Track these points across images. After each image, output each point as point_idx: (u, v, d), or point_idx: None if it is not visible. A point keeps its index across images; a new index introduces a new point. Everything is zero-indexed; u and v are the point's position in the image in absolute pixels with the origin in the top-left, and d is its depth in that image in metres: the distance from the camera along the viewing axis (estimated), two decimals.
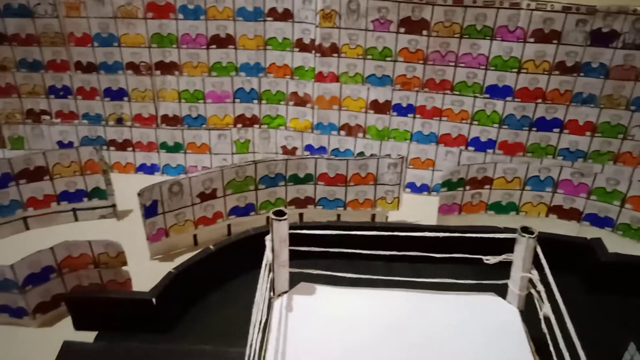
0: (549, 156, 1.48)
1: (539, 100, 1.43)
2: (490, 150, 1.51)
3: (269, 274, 0.99)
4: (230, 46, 1.50)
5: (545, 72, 1.40)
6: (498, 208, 1.43)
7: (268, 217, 1.41)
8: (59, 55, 1.50)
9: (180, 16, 1.46)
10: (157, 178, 1.64)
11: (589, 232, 1.38)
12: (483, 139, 1.51)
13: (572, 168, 1.39)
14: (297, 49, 1.51)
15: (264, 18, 1.47)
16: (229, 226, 1.40)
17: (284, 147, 1.65)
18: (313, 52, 1.49)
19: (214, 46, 1.50)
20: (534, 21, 1.35)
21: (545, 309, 0.91)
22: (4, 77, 1.53)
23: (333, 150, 1.62)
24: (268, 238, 0.99)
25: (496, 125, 1.48)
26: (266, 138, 1.64)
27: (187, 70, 1.53)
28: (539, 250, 0.97)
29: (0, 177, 1.33)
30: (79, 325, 1.12)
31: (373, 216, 1.44)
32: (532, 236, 0.95)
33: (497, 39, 1.39)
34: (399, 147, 1.57)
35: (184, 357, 1.07)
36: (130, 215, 1.48)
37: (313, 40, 1.48)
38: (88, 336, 1.11)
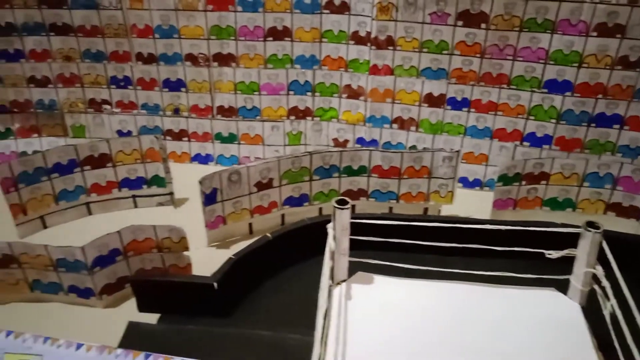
0: (607, 153, 1.45)
1: (600, 96, 1.40)
2: (547, 146, 1.49)
3: (331, 262, 1.00)
4: (286, 38, 1.52)
5: (607, 67, 1.37)
6: (554, 204, 1.41)
7: (320, 208, 1.44)
8: (121, 46, 1.55)
9: (239, 8, 1.48)
10: (211, 168, 1.69)
11: None
12: (539, 135, 1.49)
13: (633, 165, 1.36)
14: (353, 42, 1.52)
15: (320, 11, 1.49)
16: (282, 216, 1.43)
17: (335, 140, 1.66)
18: (368, 44, 1.50)
19: (271, 38, 1.52)
20: (597, 14, 1.32)
21: (610, 305, 0.90)
22: (68, 68, 1.59)
23: (385, 143, 1.62)
24: (330, 226, 1.00)
25: (553, 120, 1.46)
26: (318, 130, 1.66)
27: (243, 62, 1.56)
28: (605, 246, 0.96)
29: (66, 163, 1.39)
30: (142, 307, 1.16)
31: (425, 209, 1.44)
32: (598, 231, 0.94)
33: (558, 32, 1.37)
34: (452, 141, 1.56)
35: (244, 341, 1.10)
36: (185, 203, 1.52)
37: (369, 33, 1.49)
38: (151, 317, 1.15)
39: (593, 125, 1.44)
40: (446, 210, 1.44)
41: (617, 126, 1.42)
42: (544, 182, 1.39)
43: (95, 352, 1.01)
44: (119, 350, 1.01)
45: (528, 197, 1.41)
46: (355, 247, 1.05)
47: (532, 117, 1.48)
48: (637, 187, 1.36)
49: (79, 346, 1.02)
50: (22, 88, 1.61)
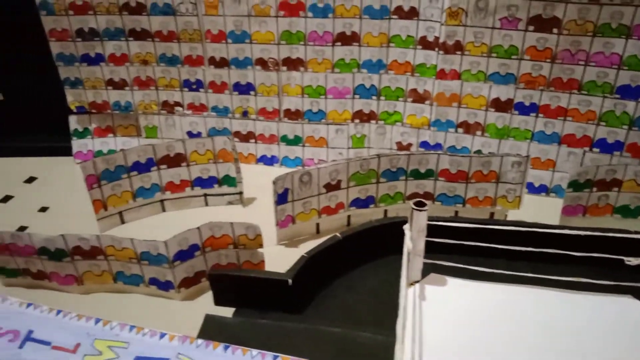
0: None
1: None
2: (617, 153, 1.47)
3: (408, 262, 1.02)
4: (354, 43, 1.55)
5: None
6: (626, 211, 1.39)
7: (385, 210, 1.46)
8: (195, 51, 1.61)
9: (310, 14, 1.52)
10: (276, 169, 1.73)
11: None
12: (610, 141, 1.47)
13: None
14: (420, 47, 1.53)
15: (389, 16, 1.51)
16: (348, 217, 1.45)
17: (398, 143, 1.68)
18: (436, 49, 1.51)
19: (339, 43, 1.56)
20: None
21: None
22: (145, 71, 1.66)
23: (449, 147, 1.63)
24: (407, 227, 1.02)
25: (625, 126, 1.44)
26: (382, 134, 1.68)
27: (311, 67, 1.60)
28: None
29: (144, 162, 1.46)
30: (218, 301, 1.21)
31: (492, 214, 1.44)
32: None
33: (634, 38, 1.35)
34: (519, 147, 1.56)
35: (315, 336, 1.13)
36: (253, 203, 1.57)
37: (437, 38, 1.50)
38: (226, 311, 1.20)
39: None
40: (513, 215, 1.43)
41: None
42: (615, 189, 1.37)
43: (178, 342, 1.07)
44: (200, 341, 1.07)
45: (599, 204, 1.39)
46: (426, 250, 1.07)
47: (603, 123, 1.46)
48: None
49: (162, 335, 1.07)
50: (101, 90, 1.69)
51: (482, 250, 1.09)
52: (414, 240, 1.03)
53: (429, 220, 1.03)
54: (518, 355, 0.95)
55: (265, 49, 1.59)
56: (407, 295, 1.05)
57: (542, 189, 1.58)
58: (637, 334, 0.98)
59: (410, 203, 1.00)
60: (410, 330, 0.98)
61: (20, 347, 1.03)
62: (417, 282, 1.09)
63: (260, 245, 1.23)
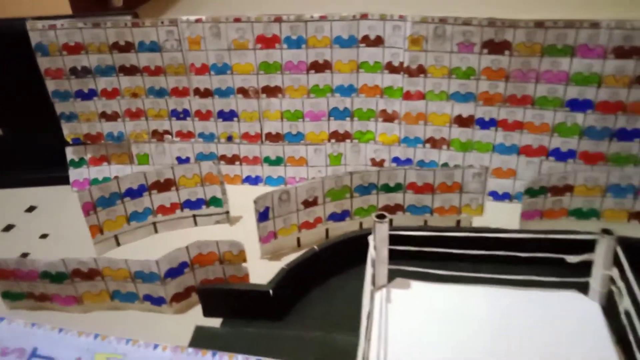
0: (630, 165, 1.55)
1: (619, 112, 1.51)
2: (571, 160, 1.60)
3: (372, 269, 1.14)
4: (327, 70, 1.69)
5: (626, 86, 1.48)
6: (579, 214, 1.52)
7: (361, 222, 1.58)
8: (180, 83, 1.75)
9: (285, 46, 1.66)
10: (260, 188, 1.85)
11: None
12: (564, 150, 1.60)
13: None
14: (387, 71, 1.67)
15: (357, 44, 1.65)
16: (327, 230, 1.57)
17: (372, 160, 1.81)
18: (402, 73, 1.65)
19: (313, 71, 1.69)
20: (613, 39, 1.44)
21: (625, 303, 1.01)
22: (135, 103, 1.79)
23: (418, 161, 1.76)
24: (371, 238, 1.15)
25: (576, 136, 1.57)
26: (357, 152, 1.81)
27: (289, 93, 1.73)
28: (619, 250, 1.06)
29: (137, 188, 1.58)
30: (207, 313, 1.33)
31: (458, 222, 1.57)
32: (612, 237, 1.05)
33: (578, 56, 1.49)
34: (482, 158, 1.69)
35: (297, 341, 1.24)
36: (239, 221, 1.69)
37: (402, 63, 1.63)
38: (214, 322, 1.31)
39: (615, 139, 1.54)
40: (477, 221, 1.56)
41: (638, 140, 1.52)
42: (568, 193, 1.50)
43: (170, 352, 1.18)
44: (190, 349, 1.18)
45: (554, 208, 1.51)
46: (394, 257, 1.20)
47: (556, 134, 1.59)
48: None
49: (155, 346, 1.19)
50: (95, 122, 1.82)
51: (448, 256, 1.21)
52: (377, 249, 1.15)
53: (396, 230, 1.15)
54: (477, 348, 1.07)
55: (245, 79, 1.72)
56: (375, 299, 1.17)
57: (506, 196, 1.70)
58: (582, 323, 1.10)
59: (372, 216, 1.12)
60: (377, 330, 1.10)
61: None
62: (384, 286, 1.21)
63: (244, 260, 1.34)
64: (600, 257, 1.08)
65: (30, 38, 1.66)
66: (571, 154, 1.59)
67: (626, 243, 1.08)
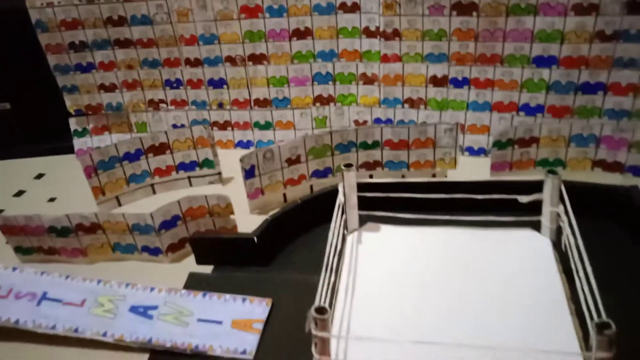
0: (595, 117, 1.64)
1: (582, 67, 1.60)
2: (540, 114, 1.69)
3: (341, 214, 1.26)
4: (308, 37, 1.79)
5: (587, 42, 1.56)
6: (546, 164, 1.62)
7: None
8: (172, 54, 1.86)
9: (267, 15, 1.76)
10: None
11: (632, 182, 1.52)
12: (532, 105, 1.69)
13: (612, 125, 1.55)
14: (365, 36, 1.76)
15: (335, 11, 1.74)
16: (311, 186, 1.69)
17: (356, 121, 1.92)
18: (378, 37, 1.74)
19: (295, 38, 1.79)
20: None
21: (566, 233, 1.11)
22: (131, 74, 1.91)
23: (399, 121, 1.86)
24: (340, 185, 1.26)
25: (544, 91, 1.66)
26: (340, 114, 1.91)
27: (273, 60, 1.83)
28: (562, 188, 1.17)
29: (134, 152, 1.71)
30: (199, 261, 1.45)
31: (433, 175, 1.67)
32: (557, 176, 1.16)
33: (540, 15, 1.57)
34: (457, 116, 1.78)
35: (281, 283, 1.36)
36: (232, 182, 1.81)
37: (378, 27, 1.73)
38: (206, 269, 1.44)
39: (579, 93, 1.63)
40: (452, 174, 1.66)
41: (601, 92, 1.61)
42: (534, 145, 1.59)
43: (165, 293, 1.32)
44: (183, 291, 1.32)
45: (522, 159, 1.61)
46: (369, 207, 1.31)
47: (525, 90, 1.68)
48: (618, 145, 1.55)
49: (152, 289, 1.33)
50: (94, 94, 1.94)
51: (413, 205, 1.31)
52: (347, 195, 1.27)
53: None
54: (439, 281, 1.18)
55: (232, 48, 1.83)
56: (347, 241, 1.29)
57: (481, 151, 1.80)
58: (535, 256, 1.21)
59: (341, 166, 1.24)
60: (347, 266, 1.23)
61: (38, 304, 1.28)
62: (356, 230, 1.33)
63: (232, 213, 1.47)
64: (547, 196, 1.18)
65: (30, 16, 1.78)
66: (539, 108, 1.69)
67: (570, 186, 1.18)
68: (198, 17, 1.78)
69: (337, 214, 1.22)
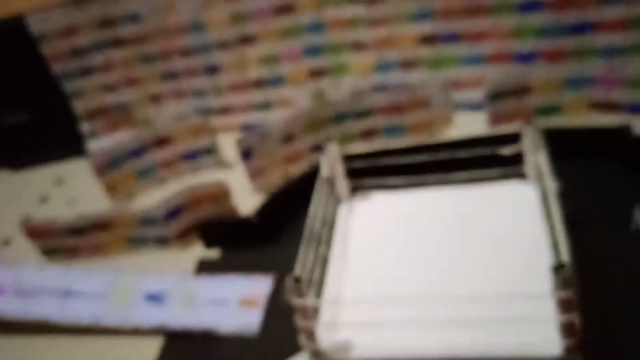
0: (588, 57, 1.59)
1: (570, 8, 1.54)
2: (534, 61, 1.65)
3: (327, 185, 1.29)
4: (293, 12, 1.79)
5: None
6: (543, 111, 1.59)
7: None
8: (165, 47, 1.90)
9: None
10: None
11: (629, 120, 1.48)
12: (525, 52, 1.65)
13: (605, 64, 1.50)
14: (349, 2, 1.75)
15: None
16: (312, 161, 1.71)
17: (352, 91, 1.91)
18: (363, 3, 1.73)
19: (281, 15, 1.80)
20: None
21: (546, 181, 1.11)
22: (130, 73, 1.97)
23: (395, 86, 1.85)
24: (324, 157, 1.29)
25: (534, 38, 1.62)
26: (336, 86, 1.91)
27: (262, 39, 1.85)
28: (539, 135, 1.16)
29: (140, 148, 1.77)
30: (208, 244, 1.52)
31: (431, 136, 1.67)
32: (532, 125, 1.15)
33: None
34: (452, 73, 1.76)
35: (285, 257, 1.40)
36: (235, 166, 1.85)
37: None
38: (214, 253, 1.50)
39: (570, 35, 1.58)
40: (450, 133, 1.66)
41: (590, 32, 1.55)
42: (529, 94, 1.56)
43: (176, 278, 1.40)
44: (193, 275, 1.40)
45: (519, 109, 1.59)
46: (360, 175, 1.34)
47: (516, 39, 1.64)
48: (612, 85, 1.50)
49: (163, 276, 1.41)
50: (100, 96, 2.01)
51: (403, 169, 1.33)
52: (334, 166, 1.29)
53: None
54: (432, 242, 1.21)
55: (221, 32, 1.85)
56: (338, 211, 1.33)
57: (479, 106, 1.78)
58: (521, 205, 1.21)
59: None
60: (340, 236, 1.26)
61: (63, 300, 1.38)
62: (344, 200, 1.36)
63: (230, 196, 1.52)
64: (527, 144, 1.17)
65: (31, 29, 1.86)
66: (532, 56, 1.65)
67: (551, 132, 1.17)
68: (184, 7, 1.81)
69: (323, 185, 1.25)
